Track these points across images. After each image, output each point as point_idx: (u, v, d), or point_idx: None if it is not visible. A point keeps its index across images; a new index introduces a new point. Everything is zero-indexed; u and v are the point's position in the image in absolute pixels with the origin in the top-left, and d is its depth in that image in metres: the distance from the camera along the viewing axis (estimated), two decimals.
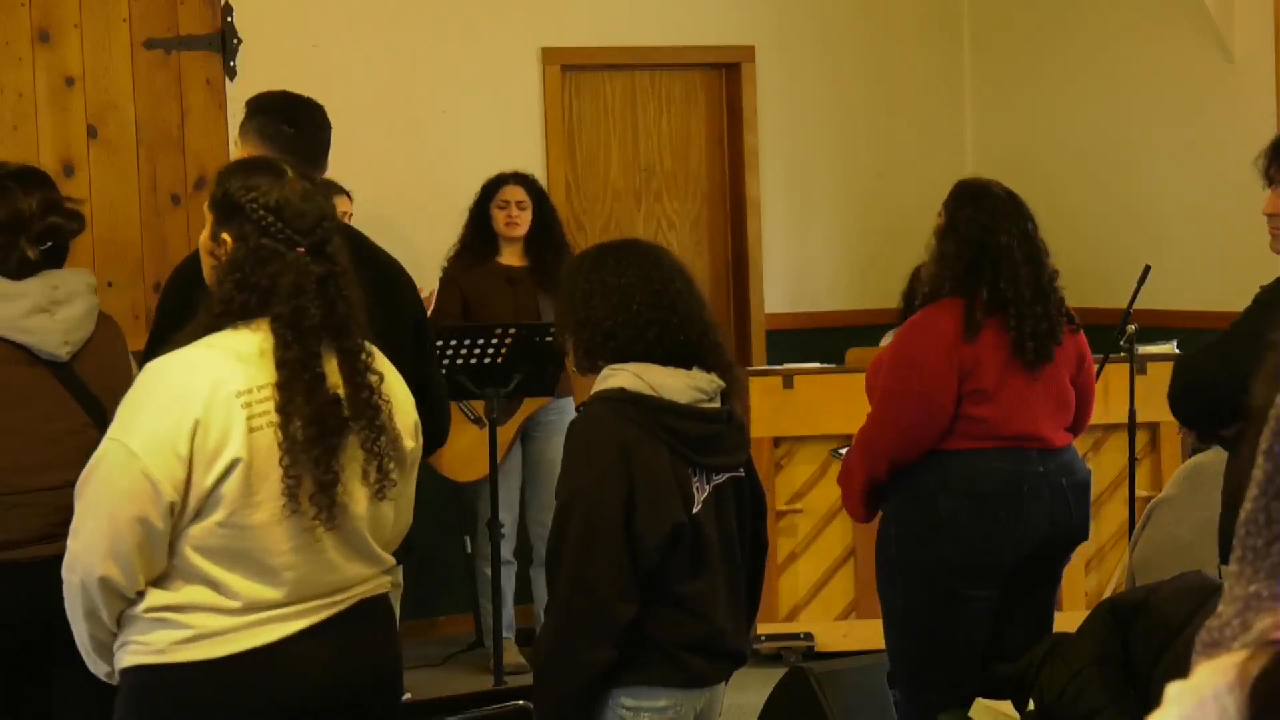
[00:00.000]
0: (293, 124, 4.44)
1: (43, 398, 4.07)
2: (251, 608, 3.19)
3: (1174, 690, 1.09)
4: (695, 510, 3.58)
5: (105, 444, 3.18)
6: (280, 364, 3.17)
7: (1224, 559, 4.00)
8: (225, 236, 3.26)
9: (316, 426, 3.17)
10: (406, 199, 7.64)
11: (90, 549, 3.16)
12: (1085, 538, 5.01)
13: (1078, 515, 4.91)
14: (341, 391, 3.24)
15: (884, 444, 4.82)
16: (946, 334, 4.75)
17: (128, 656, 3.24)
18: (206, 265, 3.35)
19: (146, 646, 3.21)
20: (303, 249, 3.21)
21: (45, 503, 3.93)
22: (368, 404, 3.26)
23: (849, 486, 4.99)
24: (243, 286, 3.21)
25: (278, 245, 3.21)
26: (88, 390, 4.09)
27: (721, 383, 3.63)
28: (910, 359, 4.81)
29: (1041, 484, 4.82)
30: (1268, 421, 1.10)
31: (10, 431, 4.03)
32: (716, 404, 3.63)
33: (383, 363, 3.37)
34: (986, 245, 4.77)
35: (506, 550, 7.07)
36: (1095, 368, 5.11)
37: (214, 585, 3.18)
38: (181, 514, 3.14)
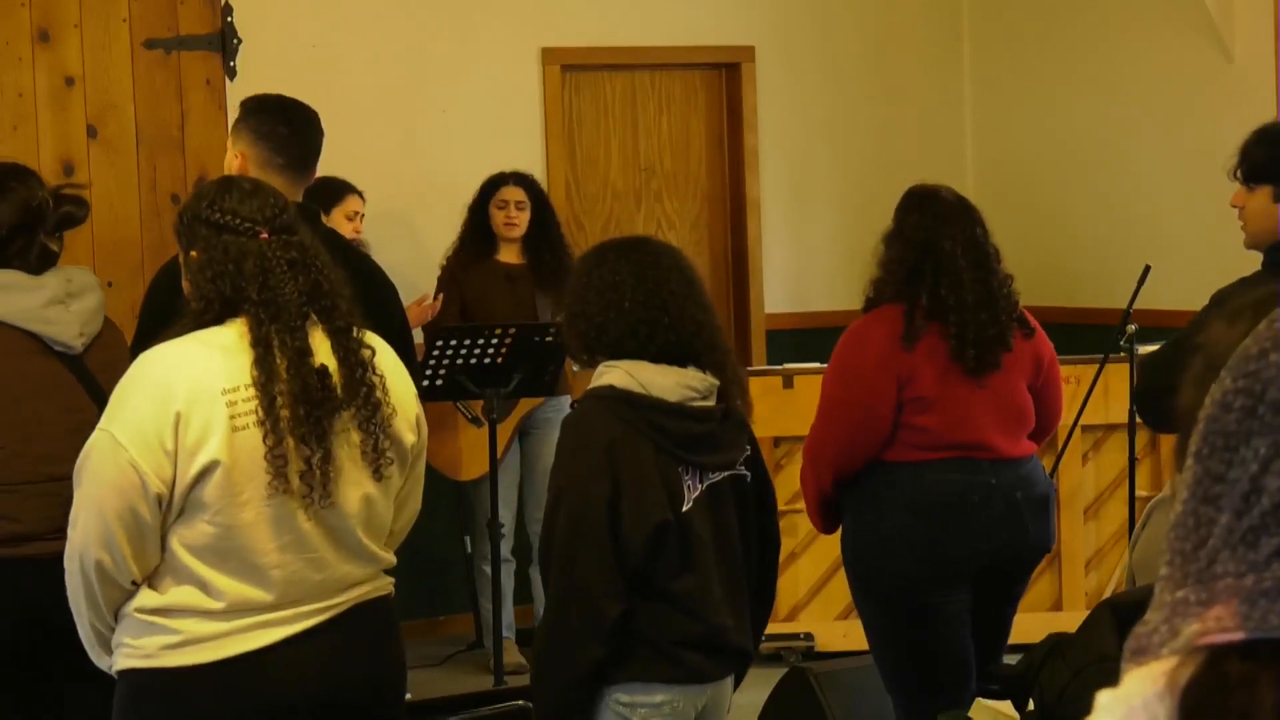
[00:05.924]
0: (288, 125, 4.48)
1: (61, 389, 4.11)
2: (238, 610, 3.19)
3: (1104, 699, 1.09)
4: (686, 508, 3.59)
5: (95, 434, 3.21)
6: (254, 343, 3.17)
7: None
8: (194, 254, 3.28)
9: (304, 405, 3.16)
10: (407, 198, 7.64)
11: (86, 537, 3.19)
12: (1044, 555, 4.88)
13: (1036, 533, 4.74)
14: (334, 370, 3.23)
15: (826, 455, 4.74)
16: (884, 341, 4.66)
17: (121, 659, 3.26)
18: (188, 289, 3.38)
19: (137, 650, 3.23)
20: (265, 234, 3.23)
21: (64, 493, 3.92)
22: (362, 382, 3.25)
23: (806, 498, 4.94)
24: (216, 279, 3.22)
25: (239, 237, 3.23)
26: (97, 384, 4.11)
27: (715, 381, 3.64)
28: (847, 367, 4.74)
29: (993, 496, 4.67)
30: (1196, 423, 1.10)
31: (36, 420, 4.07)
32: (710, 402, 3.63)
33: (386, 357, 3.37)
34: (929, 250, 4.66)
35: (505, 548, 7.07)
36: (1060, 371, 4.92)
37: (202, 585, 3.18)
38: (169, 508, 3.15)
